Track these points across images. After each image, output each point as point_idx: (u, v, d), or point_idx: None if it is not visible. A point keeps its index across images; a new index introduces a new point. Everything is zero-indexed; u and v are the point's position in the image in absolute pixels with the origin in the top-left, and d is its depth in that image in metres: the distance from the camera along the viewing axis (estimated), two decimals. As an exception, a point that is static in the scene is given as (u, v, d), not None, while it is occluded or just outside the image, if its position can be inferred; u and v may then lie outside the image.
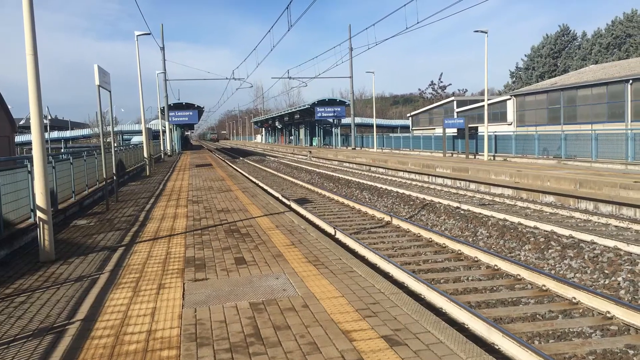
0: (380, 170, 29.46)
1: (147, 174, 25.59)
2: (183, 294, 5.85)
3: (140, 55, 27.73)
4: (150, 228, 10.21)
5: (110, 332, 4.76)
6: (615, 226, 11.72)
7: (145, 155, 27.46)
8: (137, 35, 26.91)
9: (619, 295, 7.29)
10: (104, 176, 13.47)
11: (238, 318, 5.02)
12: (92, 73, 12.46)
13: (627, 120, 32.69)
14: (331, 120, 60.70)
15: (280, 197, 17.63)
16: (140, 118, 31.35)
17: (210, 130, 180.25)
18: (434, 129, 56.71)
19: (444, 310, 6.64)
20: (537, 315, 6.57)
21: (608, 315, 6.31)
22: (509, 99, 44.84)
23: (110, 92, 13.85)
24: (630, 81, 32.65)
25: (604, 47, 70.59)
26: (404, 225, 12.09)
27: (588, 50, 73.24)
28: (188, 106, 54.48)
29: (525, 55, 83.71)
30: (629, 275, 7.90)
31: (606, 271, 8.23)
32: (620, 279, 7.85)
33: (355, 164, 34.39)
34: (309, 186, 21.25)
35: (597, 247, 9.52)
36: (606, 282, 7.84)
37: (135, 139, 67.25)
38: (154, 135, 50.63)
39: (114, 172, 15.91)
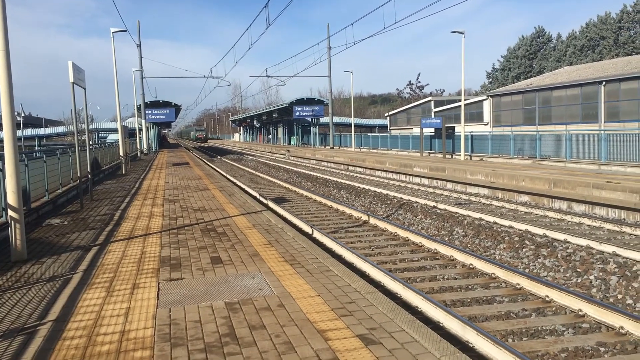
0: (358, 169, 29.55)
1: (123, 172, 25.31)
2: (158, 293, 5.79)
3: (116, 53, 27.43)
4: (126, 227, 10.10)
5: (82, 333, 4.69)
6: (588, 225, 11.92)
7: (121, 153, 27.15)
8: (112, 32, 26.58)
9: (591, 294, 7.42)
10: (79, 174, 13.27)
11: (213, 318, 4.99)
12: (67, 70, 12.28)
13: (601, 121, 33.28)
14: (309, 119, 60.70)
15: (258, 196, 17.57)
16: (116, 116, 30.98)
17: (196, 127, 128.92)
18: (412, 128, 57.05)
19: (419, 309, 6.68)
20: (511, 314, 6.65)
21: (580, 313, 6.41)
22: (486, 99, 45.33)
23: (85, 89, 13.66)
24: (604, 83, 33.24)
25: (578, 49, 71.78)
26: (381, 225, 12.14)
27: (563, 51, 74.41)
28: (165, 104, 53.98)
29: (502, 56, 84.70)
30: (601, 274, 8.04)
31: (579, 270, 8.37)
32: (592, 277, 7.98)
33: (334, 163, 34.44)
34: (287, 185, 21.22)
35: (570, 246, 9.67)
36: (578, 281, 7.96)
37: (111, 137, 66.39)
38: (130, 134, 50.02)
39: (89, 170, 15.69)
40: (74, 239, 9.13)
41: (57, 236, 9.47)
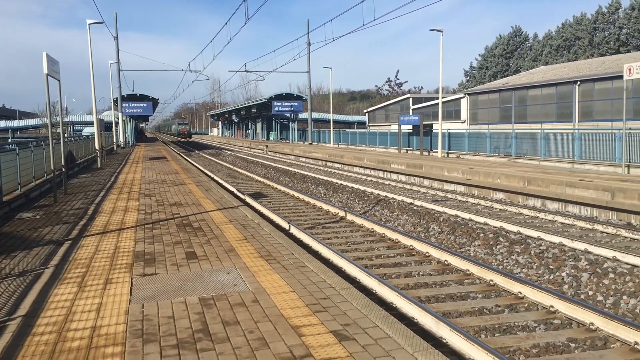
0: (336, 165, 29.59)
1: (99, 166, 24.98)
2: (131, 289, 5.73)
3: (94, 45, 27.03)
4: (100, 221, 9.96)
5: (53, 329, 4.62)
6: (561, 223, 12.10)
7: (97, 147, 26.79)
8: (89, 24, 26.19)
9: (563, 290, 7.53)
10: (52, 168, 13.06)
11: (187, 314, 4.95)
12: (42, 61, 12.06)
13: (575, 120, 33.80)
14: (288, 114, 60.56)
15: (235, 191, 17.49)
16: (92, 109, 30.54)
17: (179, 120, 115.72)
18: (390, 125, 57.31)
19: (394, 305, 6.71)
20: (485, 310, 6.72)
21: (552, 309, 6.50)
22: (463, 97, 45.71)
23: (59, 81, 13.44)
24: (578, 82, 33.75)
25: (554, 48, 72.77)
26: (358, 221, 12.18)
27: (539, 51, 75.38)
28: (142, 97, 53.35)
29: (479, 55, 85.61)
30: (572, 271, 8.17)
31: (551, 266, 8.49)
32: (564, 274, 8.11)
33: (312, 158, 34.42)
34: (265, 180, 21.15)
35: (543, 243, 9.81)
36: (551, 277, 8.08)
37: (87, 130, 65.43)
38: (106, 127, 49.38)
39: (63, 163, 15.44)
40: (46, 233, 8.98)
41: (29, 230, 9.30)
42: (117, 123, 49.28)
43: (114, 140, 46.22)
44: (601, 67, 36.27)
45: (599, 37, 67.84)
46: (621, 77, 19.08)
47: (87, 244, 8.08)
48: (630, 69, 17.64)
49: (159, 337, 4.38)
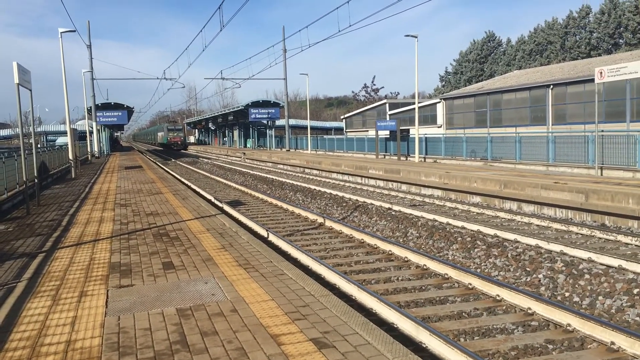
0: (315, 171, 29.58)
1: (73, 176, 24.60)
2: (106, 301, 5.63)
3: (66, 54, 26.71)
4: (74, 233, 9.79)
5: (26, 344, 4.51)
6: (537, 225, 12.23)
7: (71, 156, 26.39)
8: (61, 33, 25.87)
9: (540, 292, 7.61)
10: (25, 179, 12.82)
11: (164, 325, 4.87)
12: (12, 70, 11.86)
13: (548, 123, 34.30)
14: (265, 121, 60.42)
15: (213, 200, 17.36)
16: (65, 118, 30.11)
17: (168, 124, 76.60)
18: (367, 131, 57.49)
19: (374, 311, 6.70)
20: (463, 313, 6.76)
21: (529, 311, 6.56)
22: (439, 102, 46.09)
23: (31, 91, 13.23)
24: (551, 86, 34.28)
25: (527, 53, 73.95)
26: (337, 227, 12.17)
27: (512, 56, 76.55)
28: (117, 106, 52.75)
29: (454, 60, 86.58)
30: (549, 273, 8.26)
31: (528, 269, 8.57)
32: (540, 276, 8.19)
33: (290, 165, 34.37)
34: (243, 188, 21.05)
35: (520, 246, 9.91)
36: (528, 280, 8.16)
37: (61, 140, 64.52)
38: (80, 136, 48.74)
39: (36, 174, 15.16)
40: (19, 246, 8.79)
41: (1, 243, 9.09)
42: (91, 132, 48.66)
43: (89, 149, 45.62)
44: (573, 70, 36.93)
45: (570, 41, 69.15)
46: (593, 80, 19.43)
47: (61, 256, 7.92)
48: (601, 73, 17.97)
49: (135, 350, 4.30)
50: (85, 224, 10.81)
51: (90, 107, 48.10)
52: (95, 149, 48.12)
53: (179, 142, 70.04)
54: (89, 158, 42.43)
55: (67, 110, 28.73)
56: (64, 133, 67.44)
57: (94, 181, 21.35)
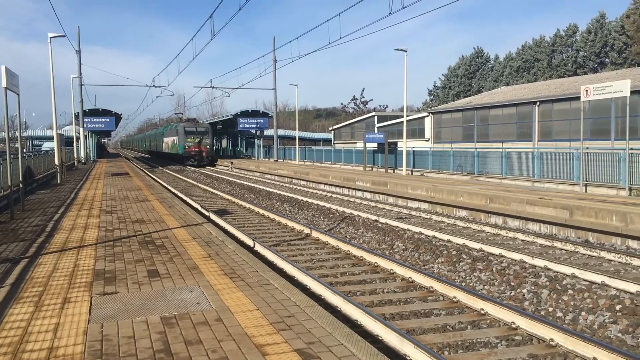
0: (302, 182, 29.59)
1: (59, 182, 24.40)
2: (90, 308, 5.58)
3: (56, 59, 26.62)
4: (59, 239, 9.70)
5: (7, 350, 4.45)
6: (522, 240, 12.32)
7: (57, 162, 26.19)
8: (50, 37, 25.77)
9: (524, 307, 7.66)
10: (9, 184, 12.70)
11: (148, 333, 4.84)
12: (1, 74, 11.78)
13: (535, 139, 34.67)
14: (254, 131, 60.37)
15: (200, 208, 17.30)
16: (52, 123, 29.91)
17: (186, 123, 49.49)
18: (356, 142, 57.73)
19: (359, 323, 6.71)
20: (448, 326, 6.78)
21: (513, 325, 6.60)
22: (427, 116, 46.44)
23: (18, 95, 13.12)
24: (538, 103, 34.70)
25: (515, 69, 74.84)
26: (323, 238, 12.17)
27: (500, 72, 77.44)
28: (105, 112, 52.47)
29: (443, 74, 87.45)
30: (533, 287, 8.32)
31: (512, 283, 8.63)
32: (525, 290, 8.25)
33: (278, 175, 34.35)
34: (230, 197, 21.00)
35: (505, 260, 9.97)
36: (512, 294, 8.21)
37: (47, 145, 64.00)
38: (67, 142, 48.34)
39: (21, 179, 15.02)
40: (1, 251, 8.69)
41: (-16, 248, 8.99)
42: (78, 138, 48.33)
43: (75, 155, 45.29)
44: (559, 88, 37.40)
45: (557, 59, 70.10)
46: (578, 98, 19.68)
47: (45, 262, 7.85)
48: (587, 91, 18.22)
49: (118, 358, 4.27)
50: (70, 230, 10.72)
51: (78, 112, 47.82)
52: (82, 154, 47.77)
53: (205, 153, 47.07)
54: (75, 164, 42.10)
55: (55, 115, 28.57)
56: (50, 138, 66.90)
57: (80, 187, 21.19)
